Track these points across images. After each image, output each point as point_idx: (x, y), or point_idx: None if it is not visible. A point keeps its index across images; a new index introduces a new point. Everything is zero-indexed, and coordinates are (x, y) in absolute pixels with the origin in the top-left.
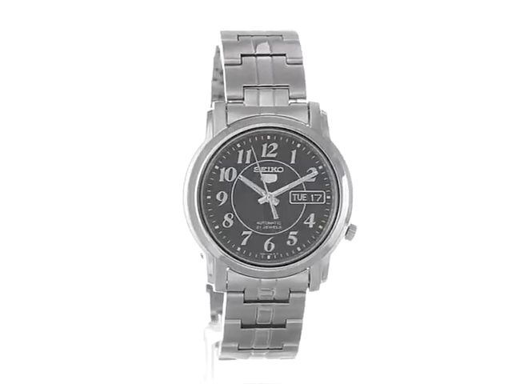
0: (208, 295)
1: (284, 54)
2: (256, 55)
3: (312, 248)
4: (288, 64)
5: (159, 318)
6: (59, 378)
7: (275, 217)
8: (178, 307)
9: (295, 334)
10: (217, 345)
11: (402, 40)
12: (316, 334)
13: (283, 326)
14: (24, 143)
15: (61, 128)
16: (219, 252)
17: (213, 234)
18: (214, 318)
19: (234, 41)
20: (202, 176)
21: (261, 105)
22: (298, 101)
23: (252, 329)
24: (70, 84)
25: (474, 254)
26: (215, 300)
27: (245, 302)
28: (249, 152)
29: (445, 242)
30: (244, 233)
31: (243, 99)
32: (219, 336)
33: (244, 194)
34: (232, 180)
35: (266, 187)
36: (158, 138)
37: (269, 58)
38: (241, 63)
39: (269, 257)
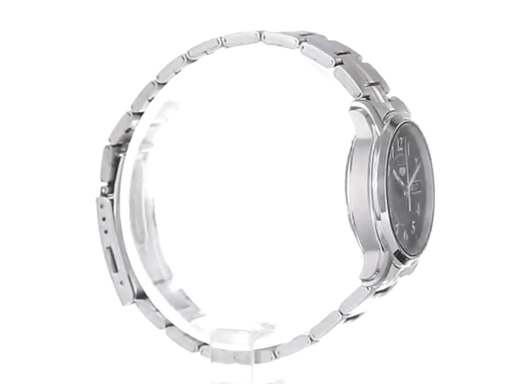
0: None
1: (349, 53)
2: (342, 53)
3: (425, 234)
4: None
5: None
6: None
7: (409, 209)
8: None
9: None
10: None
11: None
12: None
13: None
14: None
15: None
16: (396, 246)
17: None
18: (170, 325)
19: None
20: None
21: (381, 101)
22: (388, 95)
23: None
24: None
25: None
26: (156, 309)
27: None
28: (392, 147)
29: None
30: (395, 226)
31: (369, 97)
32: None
33: (393, 188)
34: (387, 175)
35: (408, 180)
36: None
37: (348, 55)
38: (342, 62)
39: (405, 246)
